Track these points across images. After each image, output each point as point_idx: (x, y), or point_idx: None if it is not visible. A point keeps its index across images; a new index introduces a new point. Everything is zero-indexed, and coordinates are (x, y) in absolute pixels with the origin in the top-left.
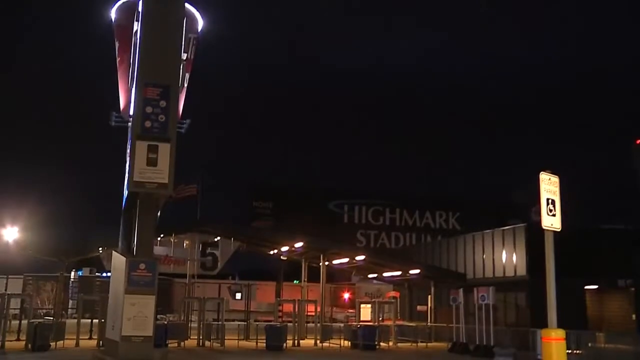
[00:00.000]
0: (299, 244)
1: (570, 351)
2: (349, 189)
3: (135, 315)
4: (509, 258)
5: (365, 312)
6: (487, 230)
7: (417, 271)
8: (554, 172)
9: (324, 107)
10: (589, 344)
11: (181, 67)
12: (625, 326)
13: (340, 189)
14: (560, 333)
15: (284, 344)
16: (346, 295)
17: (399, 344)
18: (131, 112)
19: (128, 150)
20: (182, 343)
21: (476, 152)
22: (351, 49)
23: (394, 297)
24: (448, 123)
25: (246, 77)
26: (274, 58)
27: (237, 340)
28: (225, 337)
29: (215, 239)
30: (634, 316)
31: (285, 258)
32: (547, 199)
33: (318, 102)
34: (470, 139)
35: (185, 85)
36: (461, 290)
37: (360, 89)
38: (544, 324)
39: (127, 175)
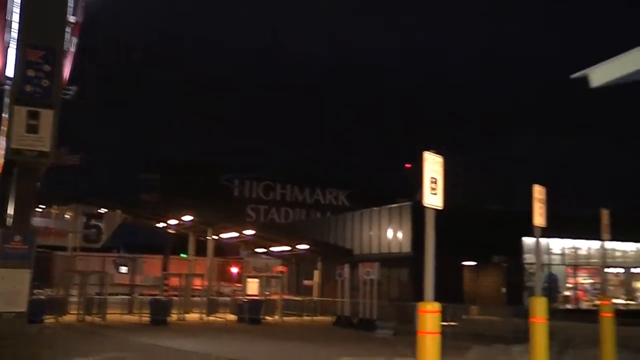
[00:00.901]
0: (187, 218)
1: (446, 323)
2: (240, 164)
3: (7, 290)
4: (395, 235)
5: (253, 286)
6: (375, 208)
7: (305, 246)
8: (438, 153)
9: (223, 83)
10: (464, 316)
11: (68, 30)
12: (497, 299)
13: (231, 163)
14: (436, 306)
15: (169, 318)
16: (234, 270)
17: (284, 318)
18: (10, 75)
19: (4, 115)
20: (59, 318)
21: (370, 132)
22: (246, 24)
23: (282, 272)
24: (341, 102)
25: (144, 47)
26: (178, 28)
27: (120, 315)
28: (108, 312)
29: (100, 211)
30: (503, 290)
31: (173, 231)
32: (430, 178)
33: (218, 77)
34: (365, 119)
35: (73, 49)
36: (347, 265)
37: (257, 66)
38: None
39: (4, 142)
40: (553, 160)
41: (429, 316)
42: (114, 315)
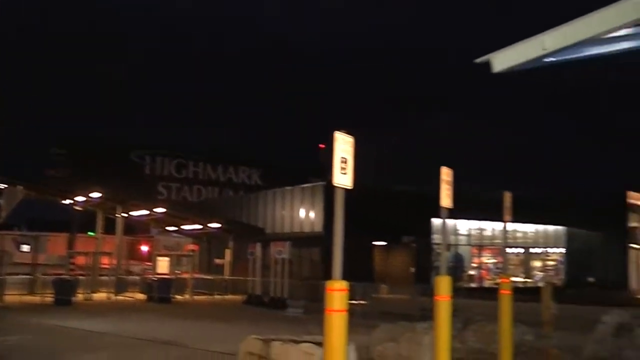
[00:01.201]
0: (95, 194)
1: (356, 302)
2: (152, 140)
3: None
4: (307, 215)
5: (163, 265)
6: (288, 187)
7: (217, 225)
8: (349, 133)
9: (132, 55)
10: (374, 295)
11: None
12: (406, 279)
13: (143, 139)
14: (343, 284)
15: (74, 298)
16: (144, 248)
17: (195, 297)
18: None
19: None
20: None
21: (287, 112)
22: None
23: (193, 251)
24: (255, 80)
25: (53, 19)
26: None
27: (19, 296)
28: (7, 293)
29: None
30: (412, 269)
31: (80, 208)
32: (341, 158)
33: (128, 47)
34: (283, 99)
35: None
36: (259, 244)
37: (167, 38)
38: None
39: None
40: (462, 143)
41: (337, 294)
42: (13, 297)
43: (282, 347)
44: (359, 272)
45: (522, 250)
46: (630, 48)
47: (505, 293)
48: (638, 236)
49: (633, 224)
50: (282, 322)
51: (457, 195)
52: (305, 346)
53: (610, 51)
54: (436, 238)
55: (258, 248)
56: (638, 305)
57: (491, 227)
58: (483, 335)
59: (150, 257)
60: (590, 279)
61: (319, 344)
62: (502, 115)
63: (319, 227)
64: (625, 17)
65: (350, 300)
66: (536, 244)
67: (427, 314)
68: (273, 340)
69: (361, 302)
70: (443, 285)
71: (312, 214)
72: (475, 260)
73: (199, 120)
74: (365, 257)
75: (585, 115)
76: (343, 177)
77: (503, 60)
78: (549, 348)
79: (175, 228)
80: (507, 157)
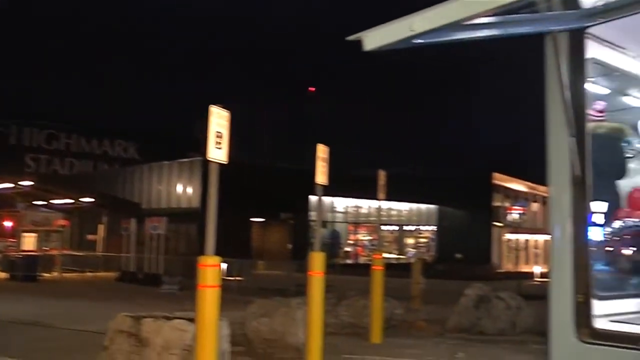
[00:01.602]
0: None
1: (232, 278)
2: (19, 108)
3: None
4: (185, 190)
5: (29, 241)
6: (166, 162)
7: (89, 199)
8: (226, 108)
9: (21, 27)
10: (251, 271)
11: None
12: (283, 255)
13: (7, 107)
14: (216, 260)
15: None
16: (8, 224)
17: (65, 275)
18: None
19: None
20: None
21: (161, 85)
22: None
23: (63, 226)
24: (130, 54)
25: None
26: None
27: None
28: None
29: None
30: (290, 246)
31: None
32: (216, 132)
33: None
34: (158, 72)
35: None
36: (134, 220)
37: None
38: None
39: None
40: (342, 121)
41: (209, 270)
42: None
43: (154, 323)
44: (236, 249)
45: (396, 228)
46: (490, 36)
47: (377, 269)
48: (500, 215)
49: (497, 203)
50: (157, 299)
51: (334, 173)
52: (177, 322)
53: (473, 37)
54: (314, 215)
55: (133, 223)
56: (498, 278)
57: (367, 205)
58: (356, 309)
59: (15, 233)
60: (458, 255)
61: (192, 320)
62: (377, 94)
63: (196, 203)
64: (484, 5)
65: (227, 276)
66: (410, 221)
67: (302, 290)
68: (144, 317)
69: (238, 278)
70: (317, 261)
71: (189, 189)
72: (352, 237)
73: (73, 89)
74: (243, 233)
75: (457, 97)
76: (218, 152)
77: (374, 39)
78: (417, 320)
79: (45, 202)
80: (383, 135)
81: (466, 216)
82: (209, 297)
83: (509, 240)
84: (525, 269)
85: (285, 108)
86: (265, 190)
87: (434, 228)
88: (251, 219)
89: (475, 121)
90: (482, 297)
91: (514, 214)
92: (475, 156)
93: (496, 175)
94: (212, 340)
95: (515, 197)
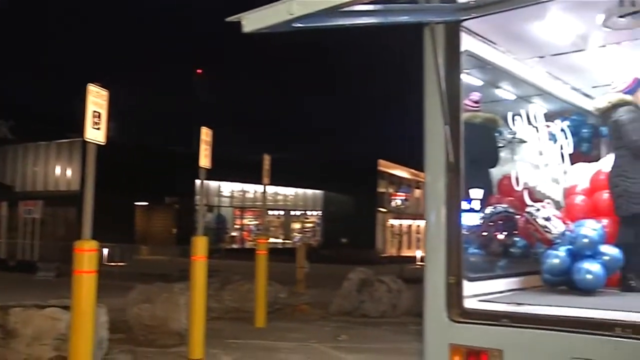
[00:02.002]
0: None
1: (114, 263)
2: None
3: None
4: (64, 172)
5: None
6: (43, 142)
7: None
8: (104, 87)
9: None
10: (134, 257)
11: None
12: (168, 240)
13: None
14: (93, 245)
15: None
16: None
17: None
18: None
19: None
20: None
21: (39, 59)
22: None
23: None
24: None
25: None
26: None
27: None
28: None
29: None
30: (174, 230)
31: None
32: (94, 112)
33: None
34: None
35: None
36: (5, 203)
37: None
38: (92, 238)
39: None
40: (230, 104)
41: (86, 255)
42: None
43: (23, 313)
44: (118, 233)
45: (282, 213)
46: (369, 23)
47: (262, 253)
48: (385, 200)
49: (381, 190)
50: (31, 286)
51: (220, 157)
52: (50, 311)
53: (353, 24)
54: (199, 199)
55: (4, 207)
56: (382, 263)
57: (253, 190)
58: (240, 294)
59: None
60: (344, 240)
61: (67, 308)
62: (266, 77)
63: (76, 186)
64: None
65: (109, 262)
66: (296, 206)
67: (186, 275)
68: (12, 307)
69: (120, 263)
70: (199, 245)
71: (69, 172)
72: (238, 221)
73: None
74: (126, 217)
75: (345, 83)
76: (95, 132)
77: (253, 21)
78: (301, 304)
79: None
80: (271, 120)
81: (352, 202)
82: (85, 283)
83: (393, 225)
84: (407, 253)
85: (172, 89)
86: (150, 173)
87: (320, 213)
88: (135, 203)
89: (363, 108)
90: (365, 281)
91: (398, 200)
92: (362, 143)
93: (381, 162)
94: (88, 328)
95: (399, 183)
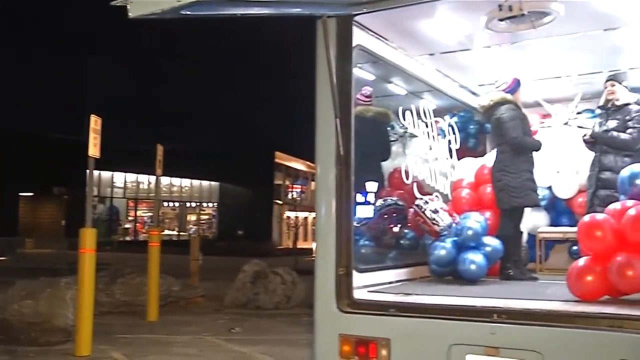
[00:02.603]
0: None
1: None
2: None
3: None
4: None
5: None
6: None
7: None
8: None
9: None
10: (18, 250)
11: None
12: (57, 232)
13: None
14: None
15: None
16: None
17: None
18: None
19: None
20: None
21: None
22: None
23: None
24: None
25: None
26: None
27: None
28: None
29: None
30: (63, 222)
31: None
32: None
33: None
34: None
35: None
36: None
37: None
38: None
39: None
40: (123, 92)
41: None
42: None
43: None
44: (0, 225)
45: (177, 204)
46: (262, 13)
47: (154, 245)
48: (281, 193)
49: (278, 182)
50: None
51: (114, 147)
52: None
53: (245, 13)
54: (88, 189)
55: None
56: (277, 255)
57: (148, 180)
58: (131, 287)
59: None
60: (240, 232)
61: None
62: (161, 65)
63: None
64: None
65: None
66: (191, 198)
67: (74, 268)
68: None
69: (1, 258)
70: (87, 238)
71: None
72: (131, 213)
73: None
74: (9, 208)
75: (243, 75)
76: None
77: (139, 6)
78: (195, 297)
79: None
80: (166, 109)
81: (248, 193)
82: None
83: (289, 217)
84: (303, 245)
85: (62, 75)
86: (36, 163)
87: (216, 205)
88: (19, 194)
89: (260, 101)
90: (259, 273)
91: (294, 192)
92: (259, 135)
93: (278, 154)
94: None
95: (295, 175)
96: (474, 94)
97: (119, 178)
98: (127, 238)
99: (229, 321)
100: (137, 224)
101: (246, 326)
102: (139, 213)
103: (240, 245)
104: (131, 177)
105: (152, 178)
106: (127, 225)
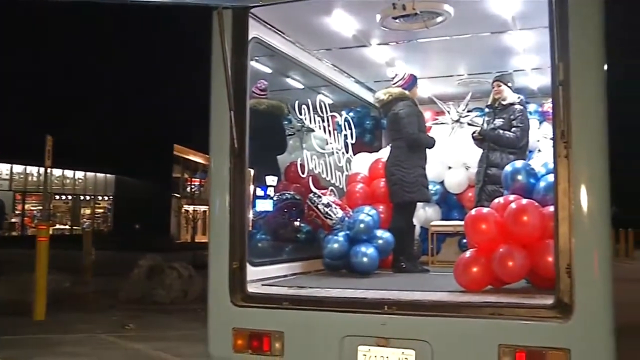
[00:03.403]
0: None
1: None
2: None
3: None
4: None
5: None
6: None
7: None
8: None
9: None
10: None
11: None
12: None
13: None
14: None
15: None
16: None
17: None
18: None
19: None
20: None
21: None
22: None
23: None
24: None
25: None
26: None
27: None
28: None
29: None
30: None
31: None
32: None
33: None
34: None
35: None
36: None
37: None
38: None
39: None
40: (13, 81)
41: None
42: None
43: None
44: None
45: (70, 197)
46: (157, 2)
47: (43, 240)
48: (180, 186)
49: (177, 175)
50: None
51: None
52: None
53: (137, 2)
54: None
55: None
56: (176, 249)
57: (37, 172)
58: (17, 285)
59: None
60: (137, 226)
61: None
62: (43, 52)
63: None
64: None
65: None
66: (86, 191)
67: None
68: None
69: None
70: None
71: None
72: (19, 207)
73: None
74: None
75: (140, 66)
76: None
77: None
78: (87, 293)
79: None
80: (57, 99)
81: (146, 187)
82: None
83: (187, 211)
84: (202, 239)
85: None
86: None
87: (112, 198)
88: None
89: (158, 93)
90: (155, 267)
91: (193, 186)
92: (157, 127)
93: (177, 147)
94: None
95: (194, 169)
96: (370, 90)
97: (4, 169)
98: (14, 233)
99: (123, 317)
100: (25, 218)
101: (141, 322)
102: (27, 206)
103: (137, 239)
104: (18, 168)
105: (43, 170)
106: (13, 220)
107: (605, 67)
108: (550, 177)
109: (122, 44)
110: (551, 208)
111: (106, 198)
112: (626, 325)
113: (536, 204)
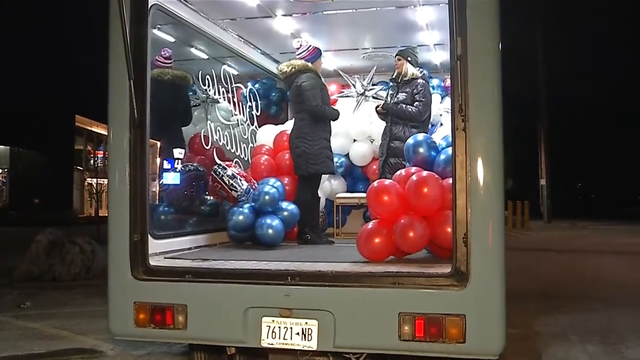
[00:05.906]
0: None
1: None
2: None
3: None
4: None
5: None
6: None
7: None
8: None
9: None
10: None
11: None
12: None
13: None
14: None
15: None
16: None
17: None
18: None
19: None
20: None
21: None
22: None
23: None
24: None
25: None
26: None
27: None
28: None
29: None
30: None
31: None
32: None
33: None
34: None
35: None
36: None
37: None
38: None
39: None
40: None
41: None
42: None
43: None
44: None
45: None
46: None
47: None
48: (82, 158)
49: (79, 147)
50: None
51: None
52: None
53: None
54: None
55: None
56: (79, 224)
57: None
58: None
59: None
60: (36, 200)
61: None
62: None
63: None
64: None
65: None
66: None
67: None
68: None
69: None
70: None
71: None
72: None
73: None
74: None
75: (39, 32)
76: None
77: None
78: None
79: None
80: None
81: (45, 159)
82: None
83: (91, 184)
84: (106, 213)
85: None
86: None
87: (6, 171)
88: None
89: (58, 61)
90: (55, 242)
91: (97, 158)
92: (57, 97)
93: (79, 117)
94: None
95: (98, 141)
96: (276, 61)
97: None
98: None
99: (19, 296)
100: None
101: (39, 300)
102: None
103: (36, 214)
104: None
105: None
106: None
107: (500, 44)
108: (450, 150)
109: (21, 9)
110: (450, 180)
111: (0, 171)
112: (514, 291)
113: (436, 176)
